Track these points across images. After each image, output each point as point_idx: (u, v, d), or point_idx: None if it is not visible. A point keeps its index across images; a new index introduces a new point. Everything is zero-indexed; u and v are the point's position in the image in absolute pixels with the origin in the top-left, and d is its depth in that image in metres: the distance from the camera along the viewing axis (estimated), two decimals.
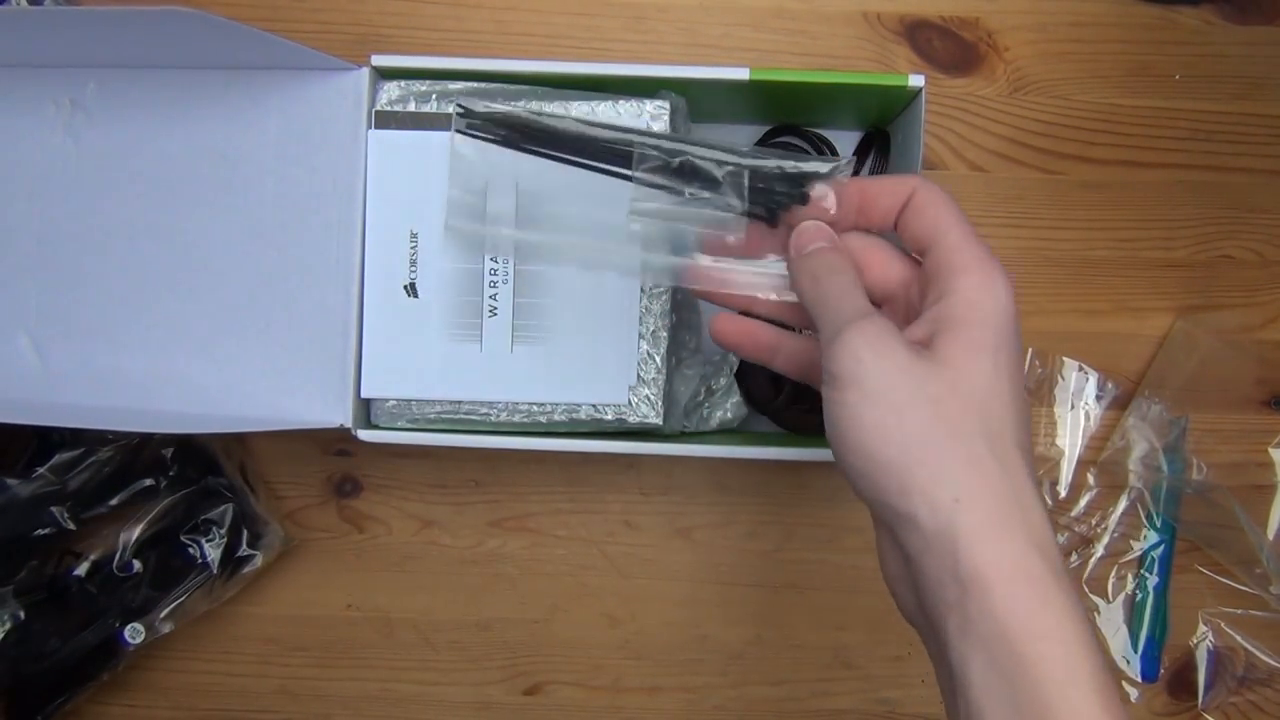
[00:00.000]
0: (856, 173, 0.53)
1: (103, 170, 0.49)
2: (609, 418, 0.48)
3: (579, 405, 0.48)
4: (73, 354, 0.49)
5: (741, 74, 0.46)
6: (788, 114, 0.52)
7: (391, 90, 0.47)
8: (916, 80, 0.46)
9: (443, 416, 0.48)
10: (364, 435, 0.48)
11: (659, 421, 0.48)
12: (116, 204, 0.49)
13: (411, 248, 0.47)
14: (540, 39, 0.56)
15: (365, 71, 0.47)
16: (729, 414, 0.52)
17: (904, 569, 0.30)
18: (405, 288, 0.47)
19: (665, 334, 0.48)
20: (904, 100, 0.48)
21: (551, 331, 0.48)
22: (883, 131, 0.53)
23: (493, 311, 0.47)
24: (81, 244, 0.49)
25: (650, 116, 0.47)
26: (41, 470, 0.52)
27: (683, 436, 0.51)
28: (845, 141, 0.54)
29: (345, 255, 0.48)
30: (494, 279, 0.47)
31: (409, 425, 0.48)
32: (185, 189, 0.49)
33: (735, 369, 0.52)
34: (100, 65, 0.48)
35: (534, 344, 0.48)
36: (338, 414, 0.48)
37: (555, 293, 0.47)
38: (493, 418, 0.48)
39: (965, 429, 0.28)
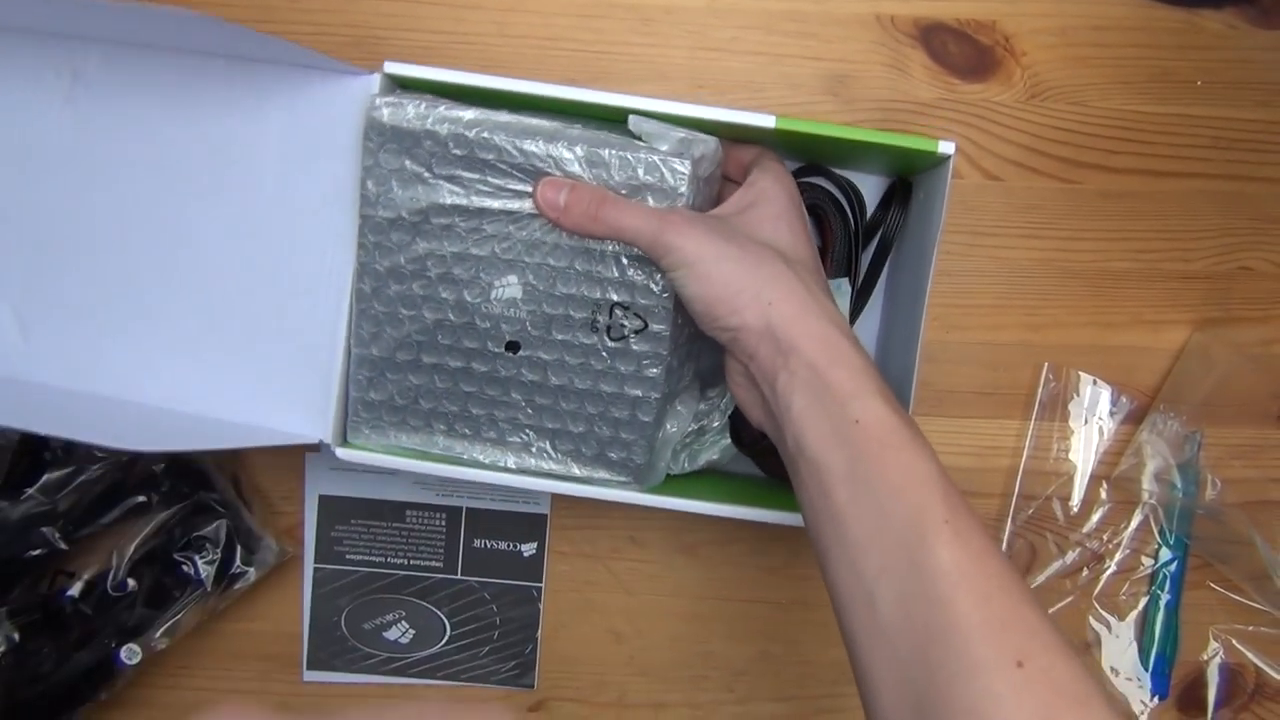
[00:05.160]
0: (879, 223, 0.52)
1: (100, 148, 0.47)
2: (580, 475, 0.47)
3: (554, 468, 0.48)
4: (55, 333, 0.48)
5: (767, 122, 0.44)
6: (813, 154, 0.50)
7: (384, 110, 0.44)
8: (946, 148, 0.44)
9: (418, 449, 0.48)
10: (341, 454, 0.47)
11: (635, 487, 0.48)
12: (111, 185, 0.47)
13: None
14: (542, 41, 0.54)
15: (376, 78, 0.45)
16: (716, 455, 0.50)
17: (746, 379, 0.41)
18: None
19: (655, 401, 0.46)
20: (932, 161, 0.46)
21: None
22: (906, 182, 0.51)
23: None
24: (73, 222, 0.47)
25: (669, 172, 0.43)
26: (31, 491, 0.51)
27: (667, 482, 0.50)
28: (870, 186, 0.53)
29: (339, 267, 0.46)
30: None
31: (384, 448, 0.48)
32: (182, 178, 0.47)
33: (730, 412, 0.50)
34: (105, 40, 0.46)
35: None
36: (318, 429, 0.47)
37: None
38: (466, 457, 0.48)
39: (764, 261, 0.40)
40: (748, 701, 0.58)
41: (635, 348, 0.45)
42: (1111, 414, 0.56)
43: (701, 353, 0.49)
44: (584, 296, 0.44)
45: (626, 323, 0.45)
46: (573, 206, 0.42)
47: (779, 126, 0.44)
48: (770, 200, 0.43)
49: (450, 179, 0.44)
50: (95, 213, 0.47)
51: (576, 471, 0.47)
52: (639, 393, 0.46)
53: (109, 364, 0.48)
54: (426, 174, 0.44)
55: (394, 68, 0.44)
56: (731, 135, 0.47)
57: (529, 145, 0.42)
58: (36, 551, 0.51)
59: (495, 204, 0.44)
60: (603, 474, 0.47)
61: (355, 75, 0.45)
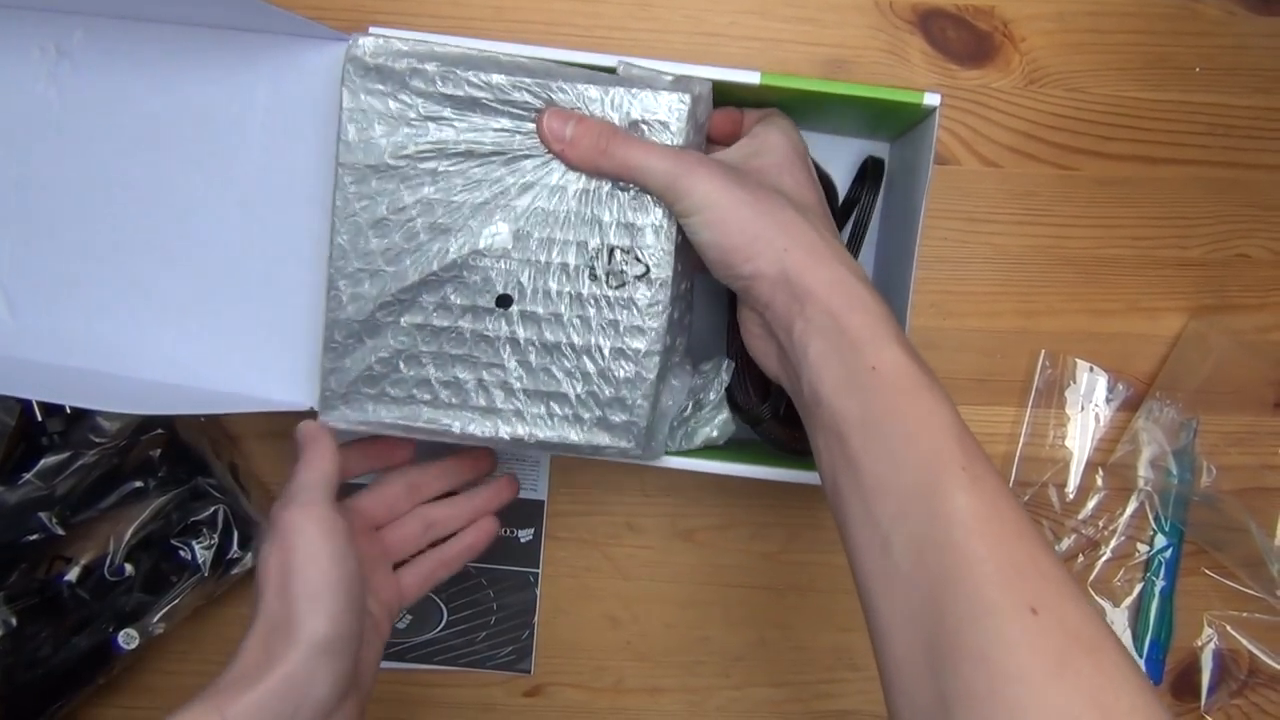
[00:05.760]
0: (853, 204, 0.51)
1: (85, 122, 0.47)
2: (581, 442, 0.44)
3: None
4: (44, 309, 0.47)
5: (752, 77, 0.44)
6: (798, 115, 0.50)
7: (367, 44, 0.41)
8: (931, 100, 0.44)
9: (399, 423, 0.44)
10: (325, 417, 0.44)
11: (639, 452, 0.44)
12: (97, 158, 0.47)
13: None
14: (539, 25, 0.54)
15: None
16: (715, 432, 0.48)
17: (762, 329, 0.40)
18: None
19: (658, 354, 0.43)
20: (918, 116, 0.46)
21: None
22: (877, 161, 0.51)
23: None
24: (59, 197, 0.47)
25: (667, 107, 0.41)
26: (28, 476, 0.51)
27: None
28: (853, 150, 0.53)
29: (326, 232, 0.46)
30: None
31: (364, 424, 0.44)
32: (169, 149, 0.47)
33: (727, 384, 0.48)
34: (89, 13, 0.46)
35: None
36: (309, 396, 0.46)
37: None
38: (456, 429, 0.44)
39: (777, 207, 0.39)
40: (744, 687, 0.58)
41: (637, 295, 0.42)
42: (1108, 401, 0.56)
43: (691, 324, 0.47)
44: (581, 241, 0.42)
45: (627, 268, 0.42)
46: (580, 139, 0.40)
47: (764, 82, 0.44)
48: (774, 148, 0.43)
49: (438, 119, 0.41)
50: (82, 187, 0.47)
51: (575, 439, 0.44)
52: (641, 345, 0.43)
53: (99, 338, 0.48)
54: (412, 115, 0.41)
55: (380, 32, 0.44)
56: (721, 96, 0.46)
57: (523, 81, 0.40)
58: (34, 536, 0.51)
59: (486, 145, 0.41)
60: (605, 439, 0.44)
61: (340, 41, 0.45)
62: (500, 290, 0.43)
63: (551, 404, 0.44)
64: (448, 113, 0.41)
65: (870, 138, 0.53)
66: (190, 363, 0.48)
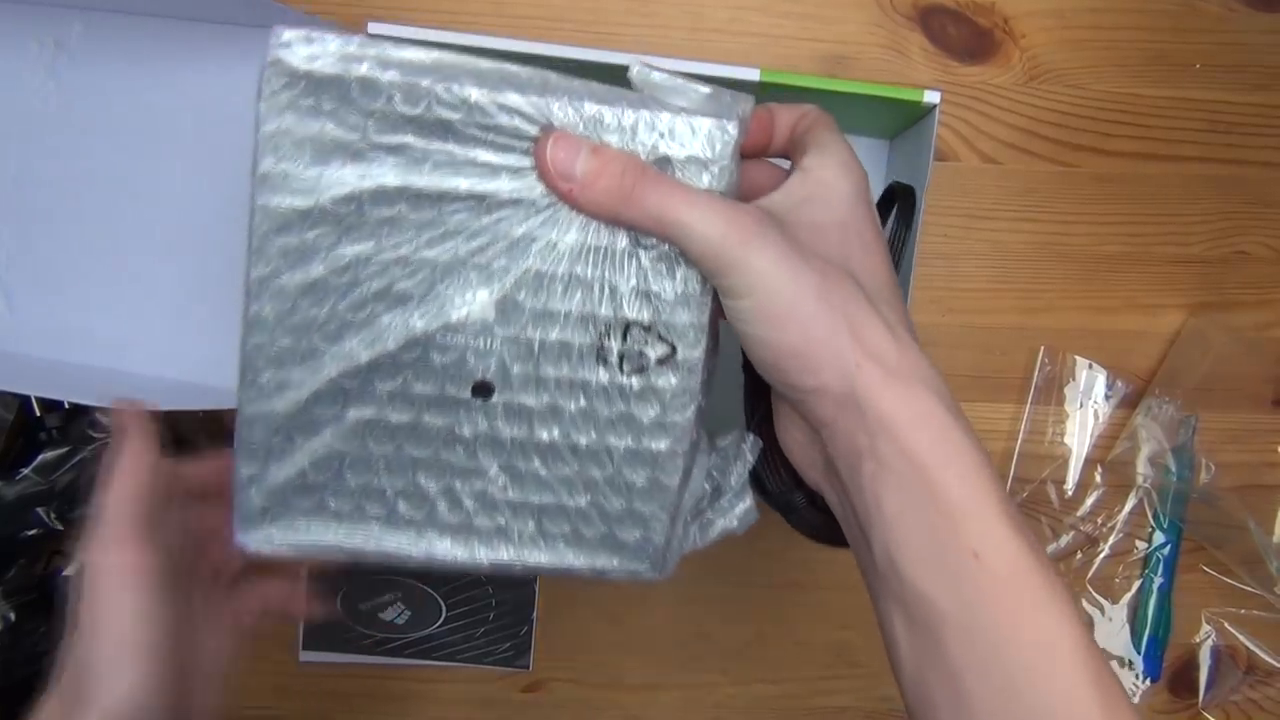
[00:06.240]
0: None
1: (84, 117, 0.47)
2: (581, 566, 0.35)
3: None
4: (41, 303, 0.48)
5: (751, 75, 0.44)
6: None
7: (295, 41, 0.30)
8: (931, 97, 0.44)
9: (344, 546, 0.35)
10: (244, 540, 0.34)
11: (654, 575, 0.36)
12: (96, 153, 0.47)
13: None
14: (539, 22, 0.54)
15: (357, 40, 0.45)
16: (735, 523, 0.37)
17: (809, 438, 0.33)
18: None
19: (682, 455, 0.34)
20: (918, 114, 0.46)
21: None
22: (906, 188, 0.43)
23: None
24: (58, 191, 0.47)
25: (706, 139, 0.31)
26: (26, 471, 0.51)
27: None
28: (861, 148, 0.52)
29: None
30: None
31: (294, 548, 0.34)
32: (168, 144, 0.47)
33: (752, 465, 0.37)
34: (87, 7, 0.46)
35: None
36: None
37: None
38: (417, 554, 0.35)
39: (848, 299, 0.30)
40: (742, 683, 0.58)
41: (657, 383, 0.33)
42: (1107, 398, 0.56)
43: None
44: (587, 314, 0.32)
45: (648, 349, 0.33)
46: (596, 178, 0.30)
47: (764, 79, 0.43)
48: (835, 199, 0.32)
49: (395, 149, 0.31)
50: (80, 182, 0.48)
51: (574, 562, 0.35)
52: (663, 446, 0.34)
53: (97, 333, 0.48)
54: (359, 141, 0.31)
55: (378, 28, 0.44)
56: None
57: (513, 99, 0.30)
58: (32, 531, 0.51)
59: (462, 184, 0.31)
60: (611, 562, 0.35)
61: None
62: (478, 376, 0.33)
63: (544, 520, 0.35)
64: (410, 140, 0.31)
65: (870, 135, 0.53)
66: (188, 357, 0.48)
